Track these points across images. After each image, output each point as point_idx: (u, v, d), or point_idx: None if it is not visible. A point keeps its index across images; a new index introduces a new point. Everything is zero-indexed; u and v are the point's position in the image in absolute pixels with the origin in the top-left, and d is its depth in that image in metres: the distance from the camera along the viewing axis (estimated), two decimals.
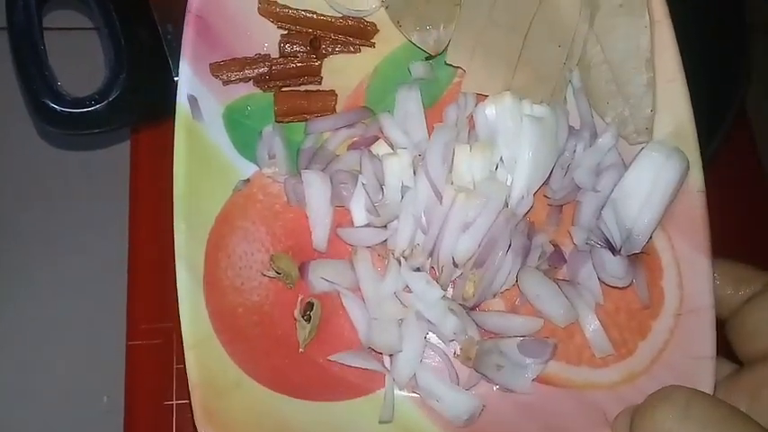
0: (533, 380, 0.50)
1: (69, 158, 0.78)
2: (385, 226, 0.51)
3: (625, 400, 0.48)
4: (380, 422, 0.49)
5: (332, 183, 0.52)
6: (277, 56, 0.55)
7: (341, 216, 0.53)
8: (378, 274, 0.51)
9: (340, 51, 0.55)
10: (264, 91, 0.54)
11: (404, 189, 0.51)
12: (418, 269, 0.50)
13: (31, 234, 0.75)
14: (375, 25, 0.55)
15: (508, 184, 0.50)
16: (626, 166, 0.51)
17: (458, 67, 0.53)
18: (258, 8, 0.54)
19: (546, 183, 0.51)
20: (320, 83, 0.55)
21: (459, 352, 0.50)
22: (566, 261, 0.52)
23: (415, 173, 0.51)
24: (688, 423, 0.41)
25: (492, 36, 0.52)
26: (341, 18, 0.55)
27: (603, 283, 0.50)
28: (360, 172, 0.52)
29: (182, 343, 0.48)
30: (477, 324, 0.50)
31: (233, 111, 0.54)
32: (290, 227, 0.53)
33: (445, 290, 0.50)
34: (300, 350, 0.51)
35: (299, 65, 0.54)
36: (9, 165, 0.77)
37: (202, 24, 0.53)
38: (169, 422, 0.63)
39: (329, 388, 0.51)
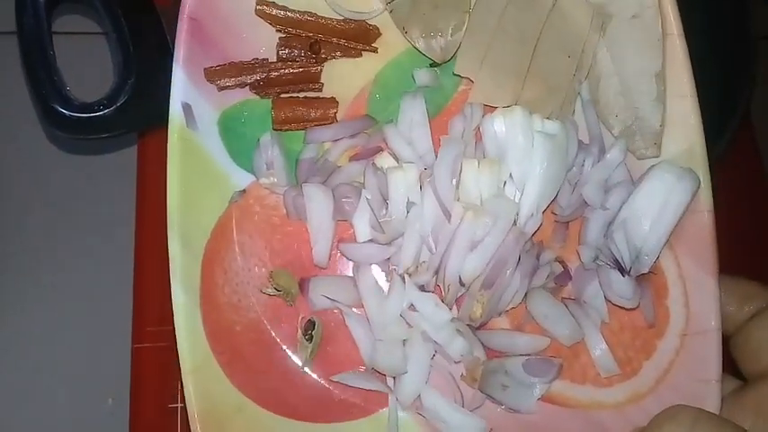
0: (538, 399, 0.49)
1: (77, 162, 0.78)
2: (389, 242, 0.50)
3: (631, 421, 0.48)
4: None
5: (334, 196, 0.50)
6: (274, 60, 0.52)
7: (342, 229, 0.52)
8: (381, 291, 0.50)
9: (341, 56, 0.52)
10: (262, 97, 0.52)
11: (409, 204, 0.49)
12: (423, 287, 0.49)
13: (38, 237, 0.76)
14: (378, 29, 0.52)
15: (516, 200, 0.49)
16: (634, 182, 0.50)
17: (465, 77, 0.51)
18: (255, 9, 0.51)
19: (554, 199, 0.50)
20: (320, 89, 0.52)
21: (464, 373, 0.49)
22: (571, 278, 0.51)
23: (421, 187, 0.49)
24: None
25: (501, 45, 0.50)
26: (342, 21, 0.52)
27: (610, 302, 0.50)
28: (362, 185, 0.50)
29: None
30: (482, 343, 0.49)
31: (228, 117, 0.52)
32: (289, 240, 0.52)
33: (450, 308, 0.49)
34: (302, 370, 0.50)
35: (298, 70, 0.51)
36: (17, 168, 0.78)
37: (196, 27, 0.50)
38: (174, 425, 0.63)
39: (332, 409, 0.50)
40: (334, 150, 0.52)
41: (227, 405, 0.48)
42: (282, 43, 0.52)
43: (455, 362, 0.49)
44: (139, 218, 0.68)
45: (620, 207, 0.49)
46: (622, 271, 0.48)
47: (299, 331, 0.50)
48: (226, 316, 0.50)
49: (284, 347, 0.50)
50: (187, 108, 0.50)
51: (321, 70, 0.52)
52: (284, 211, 0.51)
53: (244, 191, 0.51)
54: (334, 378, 0.49)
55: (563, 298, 0.51)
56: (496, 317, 0.50)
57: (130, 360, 0.67)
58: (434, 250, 0.49)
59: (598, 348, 0.49)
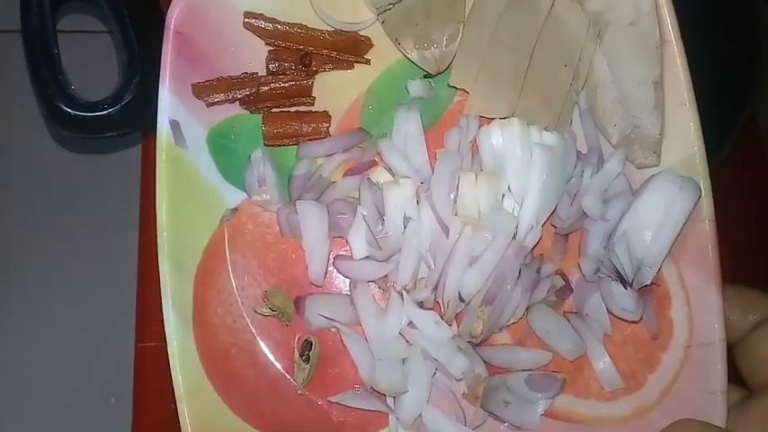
0: (542, 415, 0.48)
1: (82, 161, 0.80)
2: (386, 259, 0.49)
3: None
4: None
5: (329, 213, 0.49)
6: (264, 74, 0.50)
7: (337, 246, 0.50)
8: (379, 308, 0.49)
9: (332, 68, 0.51)
10: (252, 112, 0.50)
11: (406, 220, 0.48)
12: (422, 304, 0.48)
13: (42, 235, 0.77)
14: (370, 39, 0.51)
15: (515, 214, 0.48)
16: (633, 192, 0.49)
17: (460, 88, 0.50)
18: (243, 22, 0.50)
19: (553, 212, 0.49)
20: (312, 103, 0.51)
21: (466, 391, 0.48)
22: (572, 291, 0.50)
23: (417, 202, 0.48)
24: None
25: (497, 56, 0.49)
26: (333, 32, 0.51)
27: (612, 314, 0.49)
28: (357, 200, 0.49)
29: None
30: (484, 360, 0.48)
31: (218, 134, 0.50)
32: (284, 259, 0.50)
33: (450, 325, 0.48)
34: (299, 392, 0.49)
35: (288, 84, 0.50)
36: (23, 167, 0.79)
37: (183, 41, 0.49)
38: (177, 424, 0.62)
39: (331, 430, 0.48)
40: (328, 165, 0.51)
41: (223, 429, 0.47)
42: (272, 56, 0.50)
43: (456, 379, 0.48)
44: (144, 217, 0.67)
45: (621, 218, 0.48)
46: (624, 283, 0.47)
47: (296, 352, 0.49)
48: (220, 338, 0.49)
49: (281, 369, 0.49)
50: (175, 125, 0.48)
51: (312, 83, 0.51)
52: (278, 228, 0.50)
53: (236, 209, 0.50)
54: (333, 399, 0.48)
55: (564, 311, 0.50)
56: (497, 332, 0.49)
57: (134, 359, 0.66)
58: (433, 266, 0.48)
59: (601, 362, 0.49)
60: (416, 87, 0.51)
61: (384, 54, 0.51)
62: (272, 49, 0.51)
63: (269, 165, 0.50)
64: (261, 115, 0.50)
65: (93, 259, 0.77)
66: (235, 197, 0.50)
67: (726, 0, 0.65)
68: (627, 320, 0.49)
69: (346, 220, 0.49)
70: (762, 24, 0.65)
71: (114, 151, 0.80)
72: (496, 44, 0.49)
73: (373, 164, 0.51)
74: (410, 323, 0.48)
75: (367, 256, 0.48)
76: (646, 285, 0.47)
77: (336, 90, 0.51)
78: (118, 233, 0.74)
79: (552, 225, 0.50)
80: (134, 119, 0.53)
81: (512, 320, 0.48)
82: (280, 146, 0.51)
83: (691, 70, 0.49)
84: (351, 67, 0.51)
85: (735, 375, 0.48)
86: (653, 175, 0.48)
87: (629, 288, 0.47)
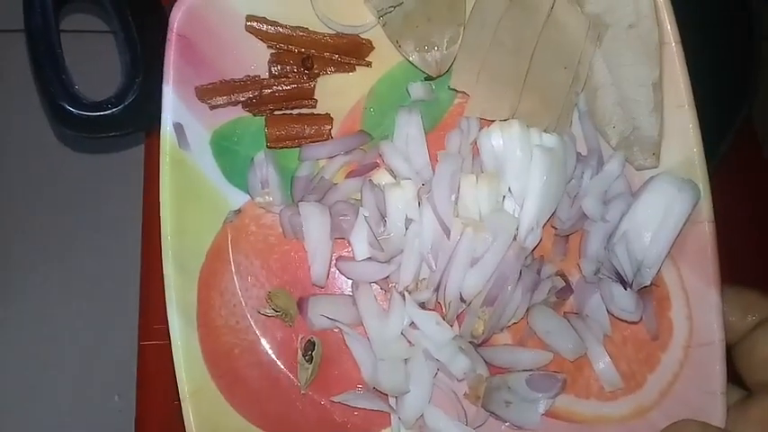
0: (542, 415, 0.49)
1: (85, 161, 0.80)
2: (388, 260, 0.49)
3: None
4: None
5: (331, 214, 0.49)
6: (266, 76, 0.51)
7: (340, 247, 0.51)
8: (381, 309, 0.49)
9: (334, 71, 0.52)
10: (254, 115, 0.51)
11: (407, 221, 0.49)
12: (423, 304, 0.48)
13: (46, 235, 0.77)
14: (371, 42, 0.52)
15: (516, 215, 0.48)
16: (633, 194, 0.50)
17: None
18: (245, 25, 0.50)
19: (553, 213, 0.49)
20: (314, 106, 0.51)
21: (467, 391, 0.49)
22: (573, 292, 0.50)
23: (419, 204, 0.48)
24: None
25: (497, 58, 0.49)
26: (334, 35, 0.51)
27: (612, 315, 0.49)
28: (359, 202, 0.50)
29: None
30: (485, 360, 0.49)
31: (221, 137, 0.51)
32: (286, 260, 0.51)
33: (451, 325, 0.48)
34: (302, 392, 0.49)
35: (291, 87, 0.50)
36: (26, 166, 0.79)
37: (186, 44, 0.49)
38: (180, 420, 0.63)
39: (334, 429, 0.49)
40: (330, 167, 0.51)
41: (227, 428, 0.47)
42: (274, 59, 0.51)
43: (458, 380, 0.49)
44: (147, 216, 0.68)
45: (621, 219, 0.48)
46: (624, 284, 0.48)
47: (299, 352, 0.49)
48: (223, 339, 0.49)
49: (284, 369, 0.49)
50: (179, 128, 0.49)
51: (314, 86, 0.51)
52: (280, 230, 0.50)
53: (239, 210, 0.50)
54: (336, 399, 0.49)
55: (565, 312, 0.50)
56: (498, 333, 0.50)
57: (137, 357, 0.66)
58: (434, 267, 0.48)
59: (601, 362, 0.49)
60: (417, 90, 0.51)
61: (385, 57, 0.52)
62: (274, 52, 0.51)
63: (272, 167, 0.50)
64: (263, 118, 0.51)
65: (96, 258, 0.77)
66: (238, 199, 0.51)
67: (724, 1, 0.66)
68: (627, 321, 0.49)
69: (348, 222, 0.49)
70: (759, 25, 0.66)
71: (117, 150, 0.81)
72: (496, 47, 0.49)
73: (375, 166, 0.51)
74: (412, 324, 0.48)
75: (369, 258, 0.49)
76: (645, 286, 0.48)
77: (338, 92, 0.52)
78: (120, 232, 0.75)
79: (552, 226, 0.51)
80: (137, 118, 0.53)
81: (512, 321, 0.49)
82: (282, 148, 0.51)
83: (689, 71, 0.50)
84: (352, 69, 0.52)
85: (734, 376, 0.49)
86: (652, 177, 0.48)
87: (628, 289, 0.48)
